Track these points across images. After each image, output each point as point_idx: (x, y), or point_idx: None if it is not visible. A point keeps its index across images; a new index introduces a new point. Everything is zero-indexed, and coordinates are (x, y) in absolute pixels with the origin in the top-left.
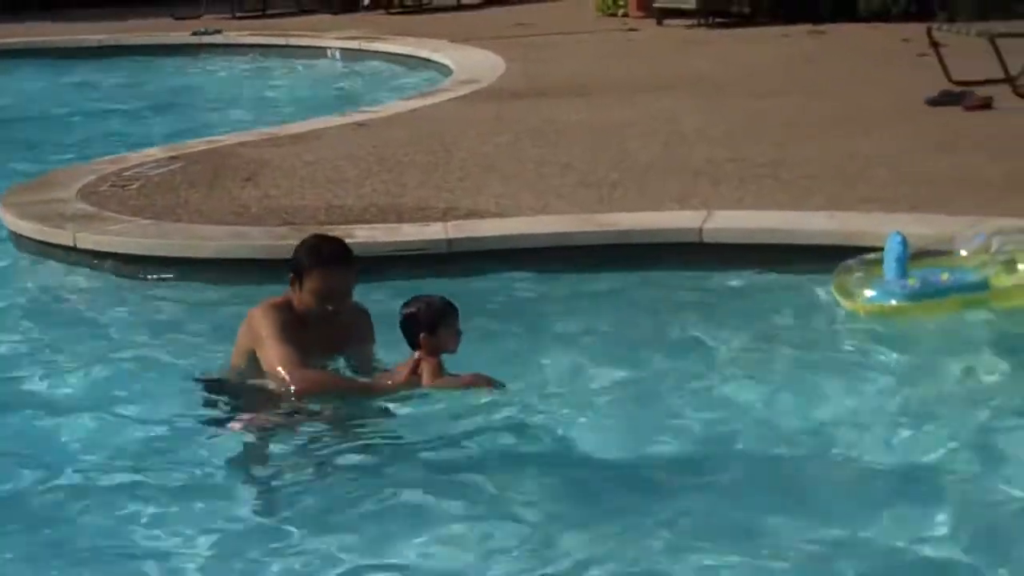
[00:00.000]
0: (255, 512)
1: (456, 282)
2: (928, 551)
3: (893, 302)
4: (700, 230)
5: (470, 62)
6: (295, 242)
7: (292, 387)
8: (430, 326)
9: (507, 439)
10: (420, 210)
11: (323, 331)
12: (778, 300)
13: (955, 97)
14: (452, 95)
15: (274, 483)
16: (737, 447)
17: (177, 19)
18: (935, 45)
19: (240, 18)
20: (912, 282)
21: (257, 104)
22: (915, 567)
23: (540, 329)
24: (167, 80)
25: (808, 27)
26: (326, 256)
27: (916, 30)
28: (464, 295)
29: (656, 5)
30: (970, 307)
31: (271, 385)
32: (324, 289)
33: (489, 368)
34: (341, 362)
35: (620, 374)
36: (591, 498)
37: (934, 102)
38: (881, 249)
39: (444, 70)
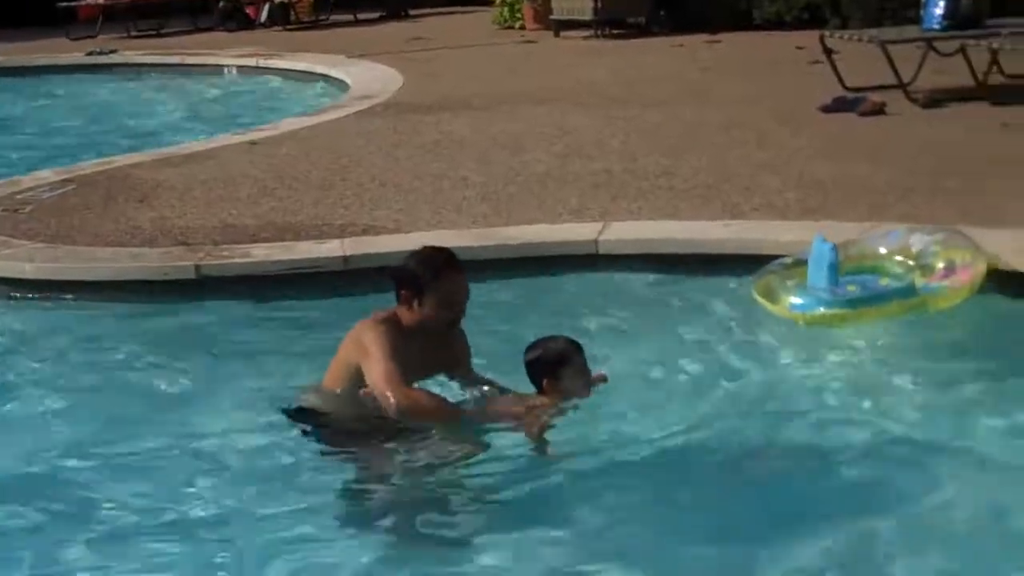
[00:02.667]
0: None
1: (354, 299)
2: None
3: (831, 309)
4: (596, 241)
5: (367, 77)
6: (189, 263)
7: (395, 406)
8: (552, 370)
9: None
10: (317, 227)
11: (428, 348)
12: (677, 309)
13: (848, 103)
14: (349, 111)
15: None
16: (647, 455)
17: (72, 39)
18: (828, 52)
19: (135, 37)
20: (852, 288)
21: (152, 124)
22: None
23: None
24: (61, 101)
25: (703, 37)
26: (447, 262)
27: (810, 38)
28: (362, 312)
29: (552, 17)
30: (906, 311)
31: (370, 403)
32: (451, 296)
33: None
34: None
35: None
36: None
37: (827, 109)
38: (779, 256)
39: (341, 86)
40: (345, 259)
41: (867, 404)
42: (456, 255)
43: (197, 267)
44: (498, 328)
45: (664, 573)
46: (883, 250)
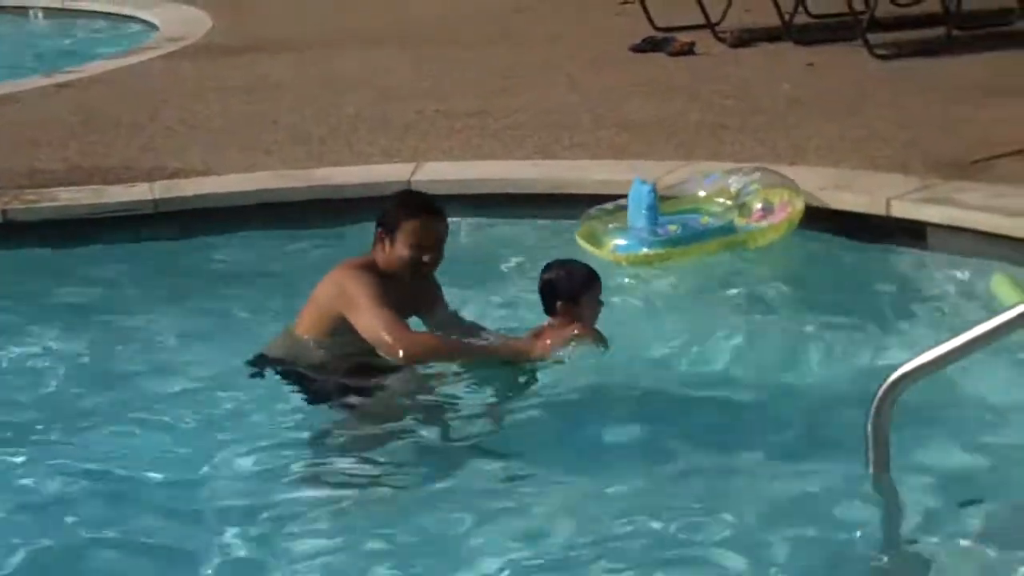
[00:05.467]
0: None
1: (164, 243)
2: None
3: (653, 249)
4: (409, 182)
5: (176, 18)
6: None
7: (402, 353)
8: (574, 293)
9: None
10: (126, 170)
11: (403, 292)
12: (489, 247)
13: (658, 44)
14: (158, 53)
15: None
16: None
17: None
18: None
19: None
20: (673, 228)
21: None
22: None
23: (257, 286)
24: None
25: None
26: (419, 205)
27: None
28: (173, 255)
29: None
30: (726, 249)
31: (364, 350)
32: (417, 238)
33: (204, 334)
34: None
35: None
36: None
37: (638, 49)
38: (590, 194)
39: (150, 27)
40: (155, 202)
41: (678, 341)
42: (434, 200)
43: (3, 212)
44: (311, 272)
45: None
46: (702, 193)
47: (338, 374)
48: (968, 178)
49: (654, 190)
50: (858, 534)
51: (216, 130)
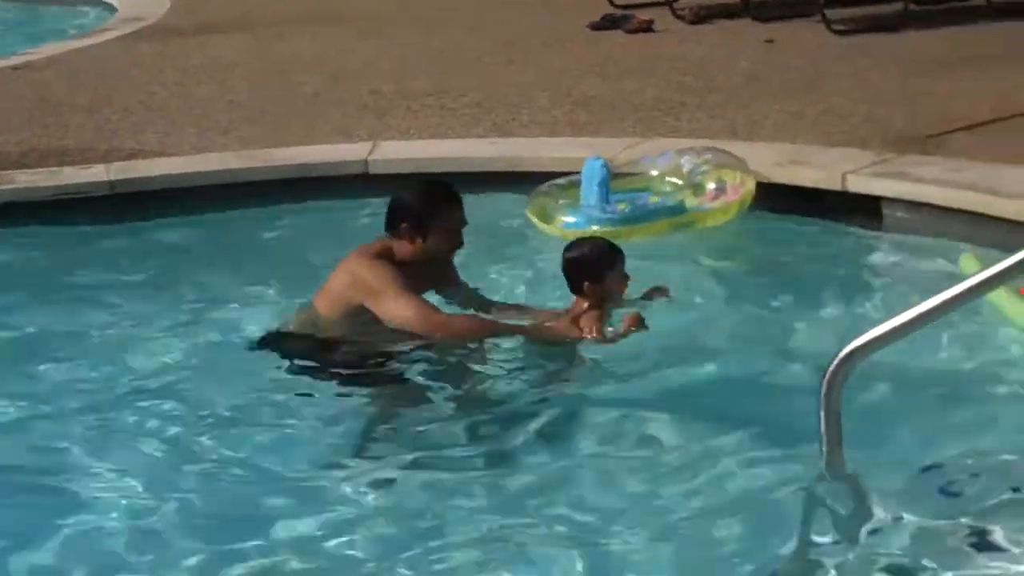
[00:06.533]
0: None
1: (121, 225)
2: None
3: (602, 227)
4: (366, 161)
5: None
6: None
7: (443, 336)
8: (596, 273)
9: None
10: (82, 152)
11: (419, 275)
12: None
13: (617, 21)
14: (116, 34)
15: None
16: None
17: None
18: None
19: None
20: (622, 206)
21: None
22: None
23: (215, 266)
24: None
25: None
26: (449, 197)
27: None
28: (130, 237)
29: None
30: (675, 229)
31: (383, 333)
32: (454, 229)
33: (164, 314)
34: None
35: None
36: None
37: (596, 27)
38: (546, 172)
39: (108, 8)
40: (111, 184)
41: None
42: (454, 187)
43: None
44: (276, 251)
45: None
46: (655, 172)
47: (356, 355)
48: (925, 152)
49: (606, 165)
50: (810, 512)
51: (173, 110)
